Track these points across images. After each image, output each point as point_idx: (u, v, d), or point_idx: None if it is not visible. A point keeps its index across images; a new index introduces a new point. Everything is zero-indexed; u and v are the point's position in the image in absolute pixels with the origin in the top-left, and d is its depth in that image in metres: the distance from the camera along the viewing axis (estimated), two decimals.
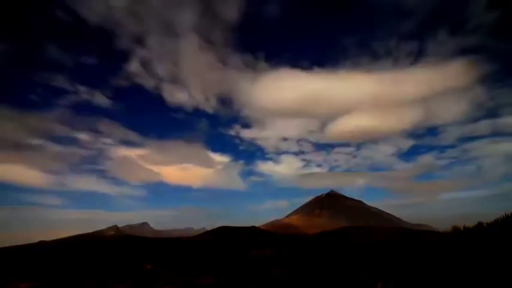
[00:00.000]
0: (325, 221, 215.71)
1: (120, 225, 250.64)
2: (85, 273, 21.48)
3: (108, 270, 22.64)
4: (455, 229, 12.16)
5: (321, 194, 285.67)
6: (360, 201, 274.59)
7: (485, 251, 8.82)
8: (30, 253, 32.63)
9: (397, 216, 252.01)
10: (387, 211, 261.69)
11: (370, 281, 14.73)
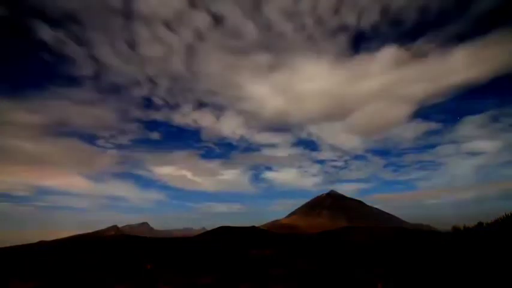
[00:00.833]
0: (325, 221, 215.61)
1: (120, 225, 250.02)
2: (85, 273, 21.41)
3: (108, 270, 22.57)
4: (456, 229, 12.13)
5: (321, 194, 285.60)
6: (359, 201, 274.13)
7: (485, 251, 8.81)
8: (29, 253, 32.59)
9: (397, 216, 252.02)
10: (387, 211, 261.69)
11: (370, 281, 14.71)
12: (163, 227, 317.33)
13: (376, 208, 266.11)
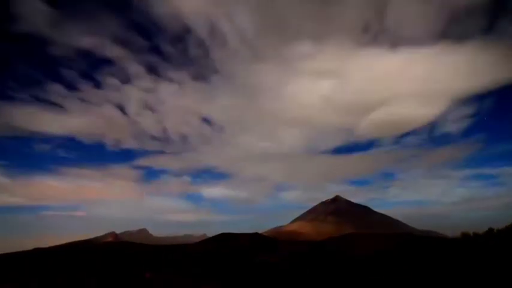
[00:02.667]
0: (331, 227, 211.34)
1: (118, 232, 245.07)
2: (79, 282, 20.89)
3: (107, 279, 22.00)
4: (465, 235, 11.45)
5: (326, 199, 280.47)
6: (366, 206, 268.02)
7: (495, 257, 8.20)
8: (24, 261, 32.15)
9: (404, 222, 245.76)
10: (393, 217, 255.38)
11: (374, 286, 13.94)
12: (162, 233, 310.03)
13: (382, 214, 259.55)
